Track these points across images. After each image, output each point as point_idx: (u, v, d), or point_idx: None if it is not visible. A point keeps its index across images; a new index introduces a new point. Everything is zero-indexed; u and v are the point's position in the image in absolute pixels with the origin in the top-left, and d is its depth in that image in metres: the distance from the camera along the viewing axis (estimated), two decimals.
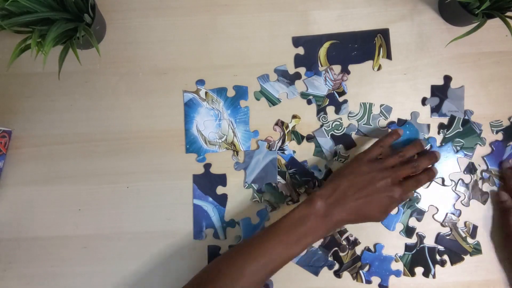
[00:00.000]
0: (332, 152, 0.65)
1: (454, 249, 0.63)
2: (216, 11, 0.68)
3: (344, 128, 0.66)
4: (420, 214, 0.64)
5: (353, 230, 0.64)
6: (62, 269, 0.64)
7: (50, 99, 0.66)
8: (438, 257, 0.63)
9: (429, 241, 0.63)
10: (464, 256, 0.63)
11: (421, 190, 0.64)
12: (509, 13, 0.58)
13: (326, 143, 0.65)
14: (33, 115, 0.66)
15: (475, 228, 0.63)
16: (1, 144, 0.63)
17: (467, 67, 0.66)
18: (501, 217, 0.62)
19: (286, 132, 0.66)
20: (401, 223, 0.63)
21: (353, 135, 0.65)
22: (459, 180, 0.64)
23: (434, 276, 0.62)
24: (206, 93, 0.66)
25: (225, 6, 0.68)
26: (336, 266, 0.63)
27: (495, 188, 0.64)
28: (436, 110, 0.66)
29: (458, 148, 0.65)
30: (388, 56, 0.67)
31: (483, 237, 0.63)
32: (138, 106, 0.66)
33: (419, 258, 0.63)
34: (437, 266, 0.63)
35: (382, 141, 0.60)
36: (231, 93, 0.66)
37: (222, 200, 0.65)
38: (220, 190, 0.65)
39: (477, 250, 0.63)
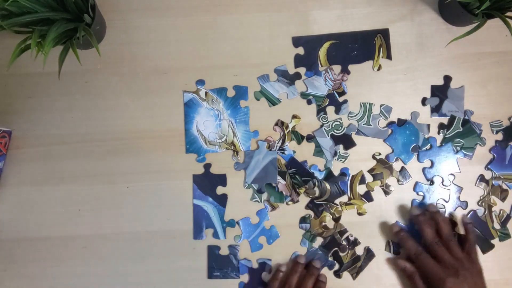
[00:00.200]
0: (332, 152, 0.65)
1: (482, 230, 0.63)
2: (216, 11, 0.68)
3: (344, 128, 0.66)
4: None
5: (353, 230, 0.64)
6: (62, 269, 0.64)
7: (50, 99, 0.66)
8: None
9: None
10: (494, 243, 0.63)
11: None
12: (509, 13, 0.58)
13: (326, 143, 0.65)
14: (33, 115, 0.66)
15: (508, 217, 0.64)
16: (1, 144, 0.63)
17: (467, 67, 0.66)
18: (408, 282, 0.62)
19: (286, 132, 0.66)
20: None
21: (353, 135, 0.65)
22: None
23: None
24: (206, 93, 0.66)
25: (225, 6, 0.68)
26: (336, 266, 0.63)
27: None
28: (436, 110, 0.66)
29: (458, 148, 0.65)
30: (388, 56, 0.67)
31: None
32: (138, 106, 0.66)
33: None
34: (485, 260, 0.62)
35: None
36: (231, 93, 0.66)
37: (222, 200, 0.65)
38: (220, 190, 0.65)
39: (505, 235, 0.63)
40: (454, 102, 0.66)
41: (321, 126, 0.66)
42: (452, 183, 0.64)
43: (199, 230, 0.64)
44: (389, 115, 0.66)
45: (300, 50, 0.67)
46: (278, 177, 0.65)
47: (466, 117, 0.65)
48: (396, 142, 0.65)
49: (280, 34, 0.67)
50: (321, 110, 0.66)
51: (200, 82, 0.66)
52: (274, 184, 0.65)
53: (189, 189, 0.65)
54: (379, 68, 0.67)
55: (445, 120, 0.66)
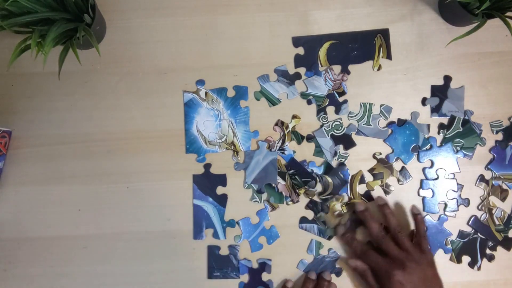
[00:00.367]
0: (332, 152, 0.65)
1: (485, 235, 0.63)
2: (216, 11, 0.68)
3: (344, 128, 0.66)
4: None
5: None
6: (62, 269, 0.64)
7: (50, 99, 0.66)
8: (488, 251, 0.63)
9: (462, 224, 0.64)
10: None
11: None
12: (509, 13, 0.58)
13: (326, 143, 0.65)
14: (33, 115, 0.66)
15: (509, 218, 0.64)
16: (1, 144, 0.63)
17: (467, 67, 0.66)
18: (362, 280, 0.61)
19: (286, 132, 0.66)
20: None
21: (353, 135, 0.65)
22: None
23: (479, 269, 0.63)
24: (206, 93, 0.66)
25: (225, 6, 0.68)
26: (344, 273, 0.63)
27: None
28: (436, 110, 0.66)
29: (458, 148, 0.65)
30: (388, 56, 0.67)
31: None
32: (138, 106, 0.66)
33: (469, 248, 0.63)
34: (484, 260, 0.63)
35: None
36: (231, 93, 0.66)
37: (222, 200, 0.65)
38: (220, 190, 0.65)
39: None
40: (454, 102, 0.66)
41: (321, 126, 0.66)
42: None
43: (199, 230, 0.64)
44: (389, 115, 0.66)
45: (300, 50, 0.67)
46: (278, 178, 0.65)
47: (466, 117, 0.65)
48: (396, 142, 0.65)
49: (280, 34, 0.67)
50: (321, 110, 0.66)
51: (200, 82, 0.66)
52: (274, 185, 0.65)
53: (189, 189, 0.65)
54: (379, 68, 0.67)
55: (445, 120, 0.66)
